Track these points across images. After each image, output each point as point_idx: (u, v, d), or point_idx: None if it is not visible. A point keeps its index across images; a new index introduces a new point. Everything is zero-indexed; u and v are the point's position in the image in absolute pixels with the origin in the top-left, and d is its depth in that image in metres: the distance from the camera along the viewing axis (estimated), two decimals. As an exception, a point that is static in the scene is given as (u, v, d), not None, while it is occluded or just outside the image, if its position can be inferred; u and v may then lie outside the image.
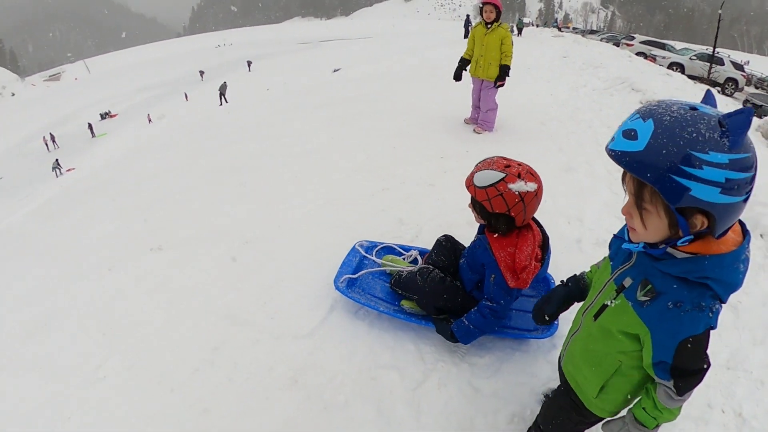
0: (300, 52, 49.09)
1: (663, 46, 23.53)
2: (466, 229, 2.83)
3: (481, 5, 4.93)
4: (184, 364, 2.24)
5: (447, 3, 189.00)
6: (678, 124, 0.91)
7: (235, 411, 1.96)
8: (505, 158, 1.92)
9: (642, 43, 24.11)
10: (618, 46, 21.35)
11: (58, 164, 24.03)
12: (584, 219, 3.18)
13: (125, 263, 3.32)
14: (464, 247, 2.37)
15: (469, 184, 1.90)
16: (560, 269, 2.54)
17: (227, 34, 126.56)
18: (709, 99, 1.00)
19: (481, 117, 5.15)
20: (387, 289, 2.42)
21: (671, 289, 1.06)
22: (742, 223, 1.07)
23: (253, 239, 3.19)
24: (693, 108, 0.92)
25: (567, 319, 1.61)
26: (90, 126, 32.92)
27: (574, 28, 43.78)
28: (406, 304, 2.28)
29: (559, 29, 30.92)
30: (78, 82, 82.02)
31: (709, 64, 21.76)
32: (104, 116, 38.17)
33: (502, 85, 4.94)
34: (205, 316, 2.55)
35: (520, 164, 1.90)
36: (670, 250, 1.06)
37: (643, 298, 1.11)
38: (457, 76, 5.29)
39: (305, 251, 2.91)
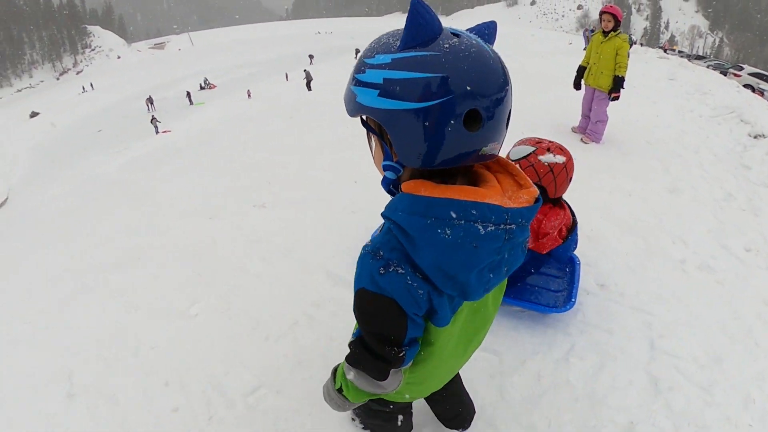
0: None
1: (773, 81, 21.65)
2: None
3: (600, 13, 4.85)
4: (282, 316, 2.35)
5: (549, 12, 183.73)
6: (372, 42, 0.82)
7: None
8: (537, 137, 2.10)
9: (751, 74, 22.21)
10: (725, 75, 19.87)
11: (156, 120, 25.78)
12: (688, 241, 3.05)
13: (227, 215, 3.61)
14: None
15: (510, 159, 1.98)
16: (663, 290, 2.51)
17: (328, 22, 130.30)
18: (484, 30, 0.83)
19: (590, 127, 5.05)
20: None
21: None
22: (564, 204, 0.92)
23: (358, 210, 3.36)
24: None
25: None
26: (188, 94, 34.61)
27: (679, 51, 41.18)
28: None
29: (665, 50, 29.24)
30: (181, 53, 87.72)
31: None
32: (203, 86, 39.95)
33: (617, 97, 4.82)
34: (307, 273, 2.68)
35: (551, 141, 2.08)
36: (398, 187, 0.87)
37: None
38: (577, 85, 5.26)
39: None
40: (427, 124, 0.73)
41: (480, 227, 0.76)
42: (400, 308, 0.82)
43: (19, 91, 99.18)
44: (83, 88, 59.20)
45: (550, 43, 33.87)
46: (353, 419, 1.68)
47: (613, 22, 4.76)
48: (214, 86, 39.71)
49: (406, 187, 0.81)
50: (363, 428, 1.64)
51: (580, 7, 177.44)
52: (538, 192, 0.86)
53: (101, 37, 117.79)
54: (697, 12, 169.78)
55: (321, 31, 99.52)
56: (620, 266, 2.68)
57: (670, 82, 10.59)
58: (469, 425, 1.69)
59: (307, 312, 2.35)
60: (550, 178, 1.99)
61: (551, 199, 2.08)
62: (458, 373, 1.56)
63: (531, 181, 0.88)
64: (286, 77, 35.39)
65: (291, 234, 3.17)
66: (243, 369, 2.05)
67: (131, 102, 38.30)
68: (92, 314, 2.64)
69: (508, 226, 0.78)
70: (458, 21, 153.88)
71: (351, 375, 1.00)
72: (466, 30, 0.82)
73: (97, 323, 2.56)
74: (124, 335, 2.41)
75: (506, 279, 0.99)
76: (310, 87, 26.64)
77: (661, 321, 2.25)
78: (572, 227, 2.14)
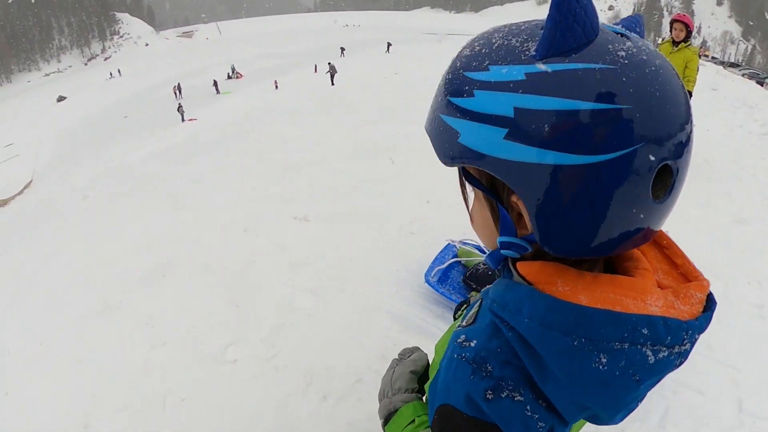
0: (428, 41, 48.98)
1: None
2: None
3: (671, 22, 4.57)
4: (342, 369, 2.02)
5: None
6: (480, 39, 0.51)
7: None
8: None
9: (790, 86, 21.61)
10: (761, 84, 19.25)
11: (182, 108, 25.37)
12: (763, 283, 2.82)
13: (264, 227, 3.36)
14: None
15: None
16: (745, 341, 2.29)
17: (357, 15, 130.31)
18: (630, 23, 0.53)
19: None
20: (458, 281, 2.39)
21: (479, 322, 0.61)
22: (711, 298, 0.54)
23: (419, 231, 3.08)
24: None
25: None
26: (215, 83, 34.58)
27: (713, 57, 40.19)
28: (476, 294, 2.18)
29: (700, 57, 28.53)
30: (209, 42, 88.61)
31: None
32: (230, 76, 39.77)
33: None
34: (367, 313, 2.35)
35: None
36: (512, 266, 0.57)
37: (464, 323, 0.66)
38: None
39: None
40: (595, 187, 0.44)
41: (649, 353, 0.47)
42: None
43: (47, 75, 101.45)
44: (110, 74, 60.05)
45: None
46: None
47: (684, 32, 4.46)
48: (242, 76, 39.48)
49: (535, 275, 0.52)
50: None
51: (611, 8, 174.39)
52: (709, 295, 0.55)
53: (130, 24, 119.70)
54: (729, 17, 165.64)
55: (349, 24, 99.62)
56: (703, 312, 2.45)
57: (713, 93, 10.24)
58: None
59: (372, 366, 2.00)
60: None
61: None
62: None
63: (692, 267, 0.58)
64: (315, 69, 35.15)
65: (342, 259, 2.85)
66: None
67: (158, 89, 38.41)
68: (115, 344, 2.39)
69: (683, 348, 0.49)
70: (488, 19, 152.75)
71: None
72: (616, 23, 0.53)
73: (120, 357, 2.29)
74: (151, 378, 2.13)
75: None
76: (333, 81, 26.56)
77: (747, 377, 2.06)
78: None
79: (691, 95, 4.42)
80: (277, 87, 28.76)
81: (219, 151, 6.29)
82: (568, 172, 0.43)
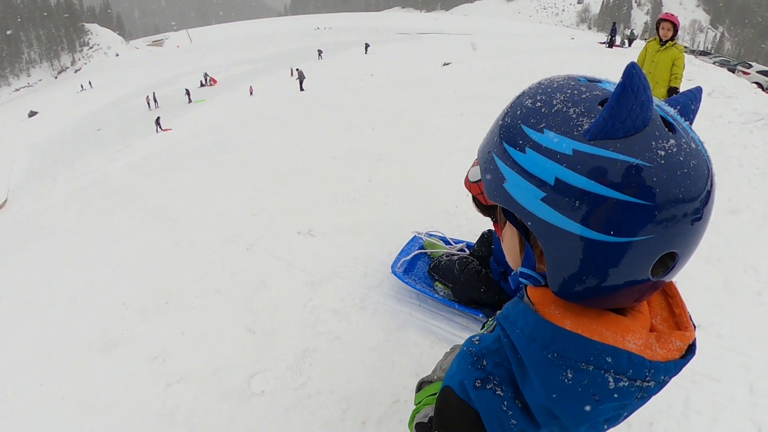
0: (400, 42, 48.95)
1: (783, 79, 21.58)
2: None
3: (658, 21, 4.70)
4: (378, 392, 1.97)
5: (550, 6, 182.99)
6: (541, 90, 0.57)
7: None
8: None
9: (759, 72, 22.29)
10: (733, 72, 19.80)
11: (159, 122, 25.29)
12: (759, 269, 2.93)
13: (267, 244, 3.28)
14: None
15: (466, 181, 1.90)
16: (752, 328, 2.37)
17: (328, 18, 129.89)
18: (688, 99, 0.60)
19: None
20: (423, 271, 2.52)
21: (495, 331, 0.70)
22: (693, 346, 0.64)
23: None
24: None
25: None
26: (187, 92, 34.15)
27: (684, 47, 41.19)
28: (439, 285, 2.36)
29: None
30: (180, 50, 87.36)
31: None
32: (204, 83, 39.56)
33: None
34: (395, 331, 2.29)
35: None
36: (524, 288, 0.69)
37: (484, 330, 0.82)
38: None
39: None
40: (604, 260, 0.52)
41: (610, 379, 0.56)
42: (482, 428, 0.64)
43: (17, 90, 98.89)
44: (81, 87, 58.89)
45: (552, 39, 33.55)
46: None
47: (672, 31, 4.60)
48: (215, 82, 39.35)
49: (537, 299, 0.64)
50: None
51: (580, 1, 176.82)
52: (694, 337, 0.65)
53: (99, 34, 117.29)
54: (697, 6, 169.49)
55: (320, 27, 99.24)
56: (710, 303, 2.56)
57: (688, 83, 10.48)
58: None
59: (408, 385, 1.94)
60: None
61: None
62: None
63: (687, 321, 0.66)
64: (291, 73, 35.01)
65: (357, 274, 2.77)
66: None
67: (130, 100, 37.99)
68: (125, 384, 2.23)
69: (645, 384, 0.58)
70: (459, 16, 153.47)
71: None
72: (668, 100, 0.59)
73: (133, 399, 2.13)
74: (172, 421, 1.98)
75: None
76: (302, 87, 26.33)
77: (755, 362, 2.16)
78: None
79: (677, 90, 4.55)
80: (252, 93, 28.57)
81: (201, 161, 6.14)
82: (584, 243, 0.52)
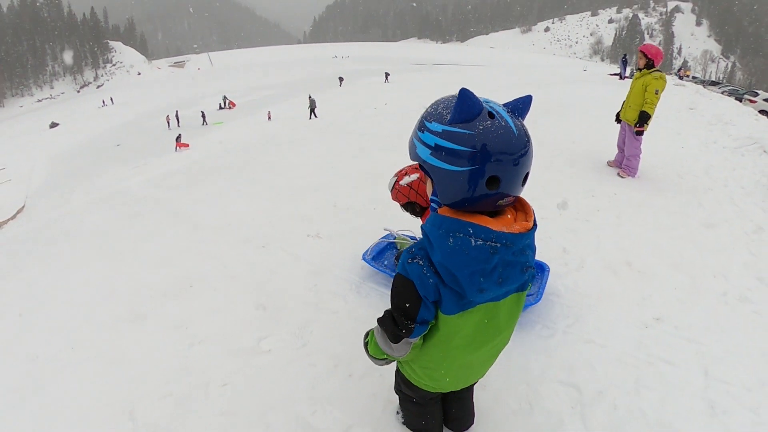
0: (416, 72, 49.78)
1: (788, 107, 21.77)
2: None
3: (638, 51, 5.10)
4: (364, 353, 2.36)
5: (563, 39, 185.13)
6: (433, 104, 1.14)
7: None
8: (402, 168, 2.58)
9: (766, 100, 22.64)
10: (740, 101, 20.03)
11: (179, 140, 25.43)
12: (728, 275, 3.20)
13: (280, 244, 3.64)
14: None
15: (393, 193, 2.54)
16: (710, 322, 2.65)
17: (345, 46, 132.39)
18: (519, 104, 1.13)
19: (625, 162, 5.21)
20: (390, 260, 3.12)
21: None
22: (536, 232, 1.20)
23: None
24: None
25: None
26: (203, 114, 34.38)
27: (693, 77, 41.44)
28: None
29: (681, 78, 29.45)
30: (200, 72, 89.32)
31: None
32: (222, 106, 39.80)
33: (640, 132, 4.98)
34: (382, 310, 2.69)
35: (409, 167, 2.55)
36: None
37: None
38: (618, 119, 5.46)
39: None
40: (459, 181, 1.07)
41: (471, 240, 1.09)
42: (416, 291, 1.18)
43: (39, 101, 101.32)
44: (103, 102, 60.28)
45: (566, 71, 34.04)
46: (398, 413, 1.95)
47: (644, 60, 4.96)
48: (234, 105, 39.54)
49: (440, 211, 1.16)
50: (403, 422, 1.91)
51: (593, 33, 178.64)
52: (532, 225, 1.17)
53: (122, 52, 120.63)
54: (709, 37, 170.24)
55: (338, 55, 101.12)
56: (672, 300, 2.85)
57: (690, 112, 10.74)
58: (461, 431, 1.89)
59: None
60: (413, 194, 2.48)
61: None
62: (471, 389, 1.82)
63: (532, 217, 1.19)
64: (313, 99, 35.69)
65: (355, 267, 3.17)
66: (331, 407, 2.06)
67: (150, 118, 38.60)
68: (151, 346, 2.57)
69: (492, 243, 1.10)
70: (473, 47, 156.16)
71: (376, 332, 1.40)
72: (504, 104, 1.13)
73: (158, 356, 2.47)
74: (191, 371, 2.34)
75: (521, 302, 1.33)
76: (315, 114, 26.18)
77: (712, 350, 2.43)
78: None
79: (648, 115, 4.88)
80: (270, 118, 28.98)
81: (220, 178, 6.42)
82: (448, 173, 1.07)
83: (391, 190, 2.55)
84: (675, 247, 3.52)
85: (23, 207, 16.65)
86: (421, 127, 1.12)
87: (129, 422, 2.07)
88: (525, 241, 1.16)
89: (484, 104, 1.06)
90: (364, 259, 3.06)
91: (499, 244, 1.10)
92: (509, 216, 1.17)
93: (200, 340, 2.57)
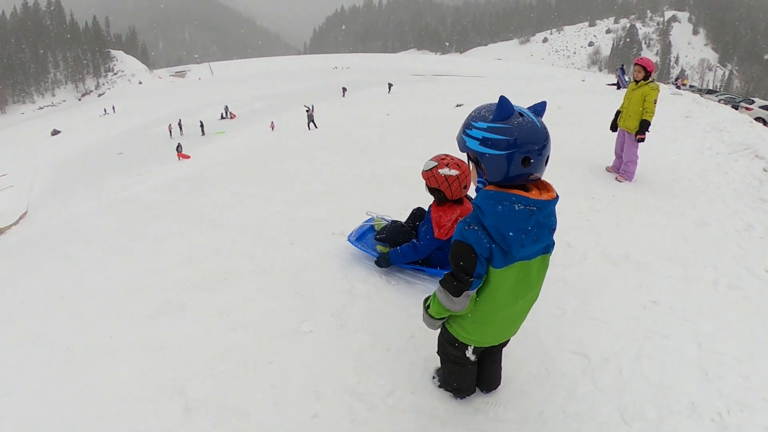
0: (415, 83, 50.21)
1: (784, 113, 22.20)
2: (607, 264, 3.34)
3: (633, 64, 5.49)
4: (399, 330, 2.60)
5: (561, 49, 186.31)
6: (475, 110, 1.56)
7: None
8: (444, 154, 2.91)
9: (762, 107, 23.17)
10: (736, 108, 20.44)
11: (179, 149, 25.80)
12: (718, 266, 3.53)
13: (308, 241, 3.81)
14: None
15: (422, 170, 2.89)
16: (703, 305, 2.99)
17: (345, 57, 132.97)
18: (536, 108, 1.56)
19: (623, 167, 5.56)
20: (372, 240, 3.52)
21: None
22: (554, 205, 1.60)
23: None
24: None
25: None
26: (201, 124, 34.52)
27: (691, 86, 41.94)
28: (378, 247, 3.37)
29: (678, 87, 29.91)
30: (201, 82, 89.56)
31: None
32: (224, 116, 40.19)
33: (642, 139, 5.32)
34: (412, 297, 2.95)
35: (452, 158, 2.85)
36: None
37: None
38: (613, 127, 5.79)
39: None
40: (503, 162, 1.48)
41: (516, 206, 1.51)
42: (473, 250, 1.55)
43: (41, 108, 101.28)
44: (104, 111, 60.49)
45: (563, 81, 34.45)
46: (434, 378, 2.26)
47: (642, 73, 5.33)
48: (234, 116, 39.82)
49: (487, 188, 1.57)
50: (439, 386, 2.22)
51: (591, 44, 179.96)
52: (556, 194, 1.59)
53: (124, 61, 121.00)
54: (706, 45, 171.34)
55: (338, 66, 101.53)
56: (667, 288, 3.18)
57: (686, 120, 11.07)
58: (490, 391, 2.19)
59: (421, 327, 2.40)
60: (446, 185, 2.81)
61: (451, 200, 2.88)
62: (501, 352, 2.13)
63: (554, 190, 1.61)
64: (311, 109, 35.73)
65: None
66: (375, 376, 2.32)
67: (152, 127, 38.85)
68: (194, 332, 2.71)
69: (530, 208, 1.52)
70: (472, 57, 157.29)
71: (438, 293, 1.72)
72: (529, 107, 1.55)
73: (202, 341, 2.62)
74: (236, 351, 2.52)
75: (546, 263, 1.72)
76: (315, 124, 26.15)
77: (704, 328, 2.77)
78: None
79: (648, 122, 5.22)
80: (273, 128, 29.03)
81: (231, 184, 6.41)
82: (494, 156, 1.50)
83: (427, 171, 2.85)
84: (669, 243, 3.86)
85: (26, 213, 16.70)
86: (469, 126, 1.54)
87: (181, 398, 2.22)
88: (551, 207, 1.59)
89: (514, 107, 1.48)
90: (348, 239, 3.46)
91: (535, 208, 1.52)
92: (535, 191, 1.57)
93: (242, 325, 2.75)
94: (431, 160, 2.88)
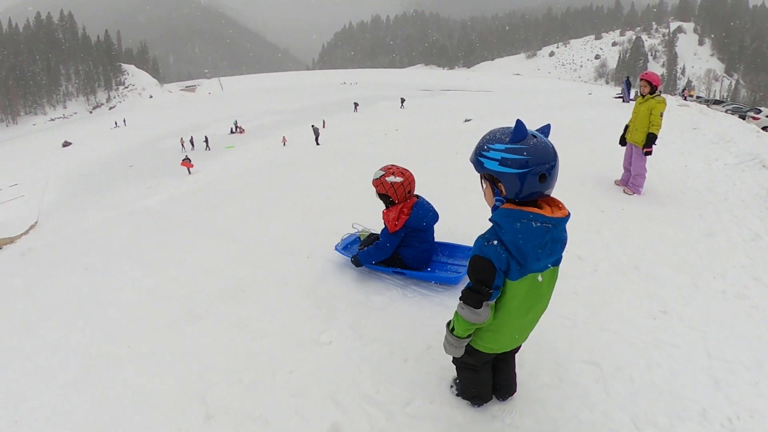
0: (423, 98, 50.45)
1: (791, 123, 22.16)
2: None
3: (639, 79, 5.58)
4: (415, 341, 2.68)
5: (568, 63, 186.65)
6: (489, 133, 1.68)
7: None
8: (390, 165, 3.27)
9: (768, 117, 23.06)
10: (743, 118, 20.43)
11: (189, 160, 25.95)
12: (726, 276, 3.58)
13: (324, 254, 3.89)
14: None
15: (372, 179, 3.23)
16: (711, 314, 3.04)
17: (354, 73, 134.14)
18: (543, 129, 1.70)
19: (631, 180, 5.62)
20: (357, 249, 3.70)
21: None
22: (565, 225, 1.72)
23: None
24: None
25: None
26: (206, 139, 34.99)
27: (698, 97, 41.92)
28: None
29: (685, 98, 29.94)
30: (211, 97, 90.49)
31: None
32: (234, 131, 40.75)
33: (649, 152, 5.38)
34: (427, 309, 3.03)
35: (396, 167, 3.24)
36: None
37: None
38: (622, 141, 5.87)
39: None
40: (522, 179, 1.60)
41: (533, 223, 1.63)
42: (492, 264, 1.66)
43: (52, 120, 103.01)
44: (115, 123, 61.54)
45: (571, 95, 34.48)
46: (451, 386, 2.35)
47: (648, 87, 5.42)
48: (243, 131, 40.31)
49: (505, 206, 1.69)
50: (456, 394, 2.30)
51: (597, 57, 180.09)
52: (568, 212, 1.71)
53: (135, 75, 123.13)
54: (712, 56, 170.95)
55: (346, 82, 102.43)
56: (676, 297, 3.24)
57: (694, 132, 11.11)
58: (505, 398, 2.27)
59: (437, 337, 2.57)
60: (392, 191, 3.17)
61: (396, 203, 3.20)
62: (514, 358, 2.22)
63: (565, 207, 1.73)
64: (323, 124, 36.15)
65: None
66: (393, 386, 2.39)
67: (163, 140, 39.27)
68: (215, 342, 2.79)
69: (546, 225, 1.65)
70: (479, 72, 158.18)
71: (460, 310, 1.80)
72: (536, 130, 1.67)
73: (222, 351, 2.69)
74: (256, 361, 2.59)
75: (555, 274, 1.84)
76: (318, 141, 26.73)
77: (713, 336, 2.82)
78: (427, 210, 3.34)
79: (655, 135, 5.29)
80: (285, 143, 29.17)
81: (247, 198, 6.47)
82: (513, 175, 1.62)
83: (377, 179, 3.22)
84: (678, 254, 3.91)
85: (36, 223, 16.84)
86: (485, 149, 1.66)
87: (201, 406, 2.31)
88: (564, 223, 1.72)
89: (527, 130, 1.62)
90: (336, 249, 3.69)
91: (550, 225, 1.66)
92: (547, 208, 1.69)
93: (262, 335, 2.86)
94: (379, 170, 3.25)
